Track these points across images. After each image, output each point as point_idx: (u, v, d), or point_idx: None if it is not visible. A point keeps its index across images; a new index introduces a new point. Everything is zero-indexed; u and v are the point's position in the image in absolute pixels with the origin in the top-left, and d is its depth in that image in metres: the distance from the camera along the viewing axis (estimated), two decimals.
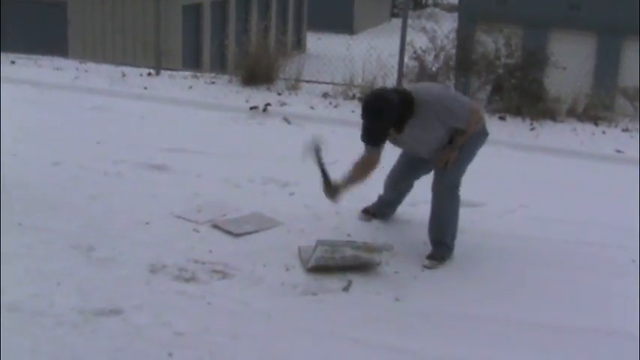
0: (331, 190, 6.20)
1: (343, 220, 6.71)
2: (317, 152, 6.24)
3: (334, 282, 5.59)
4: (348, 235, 6.37)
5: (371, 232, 6.50)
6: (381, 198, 6.87)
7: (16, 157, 7.56)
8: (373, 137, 5.93)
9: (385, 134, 5.90)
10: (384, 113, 5.81)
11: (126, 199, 6.91)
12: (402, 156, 6.63)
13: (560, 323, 5.26)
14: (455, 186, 6.21)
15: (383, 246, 5.93)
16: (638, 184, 8.24)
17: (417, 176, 6.63)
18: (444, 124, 5.96)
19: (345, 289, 5.59)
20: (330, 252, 5.71)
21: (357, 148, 6.05)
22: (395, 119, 5.84)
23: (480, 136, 6.30)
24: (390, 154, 6.34)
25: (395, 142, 6.20)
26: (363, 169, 6.07)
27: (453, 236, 6.27)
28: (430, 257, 6.16)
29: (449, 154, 6.07)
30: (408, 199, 6.83)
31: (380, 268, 5.84)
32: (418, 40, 12.46)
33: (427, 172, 6.43)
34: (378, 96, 6.05)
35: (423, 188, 6.51)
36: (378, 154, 6.01)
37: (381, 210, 6.87)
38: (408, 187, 6.76)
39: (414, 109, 5.86)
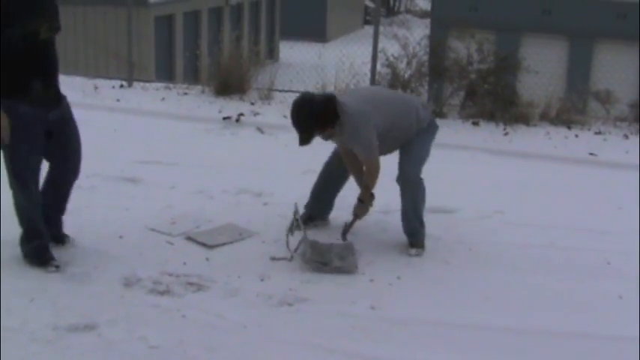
0: (365, 206, 6.43)
1: (318, 228, 6.69)
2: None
3: (310, 291, 5.59)
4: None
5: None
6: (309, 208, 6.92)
7: None
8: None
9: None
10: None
11: (99, 212, 6.87)
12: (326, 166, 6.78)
13: (537, 328, 5.26)
14: (418, 176, 6.42)
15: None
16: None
17: (338, 187, 6.83)
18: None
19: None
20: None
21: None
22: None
23: (430, 129, 6.54)
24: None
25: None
26: (372, 175, 6.30)
27: (422, 221, 6.50)
28: (413, 246, 6.42)
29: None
30: (381, 207, 6.82)
31: (357, 277, 5.86)
32: (390, 47, 12.47)
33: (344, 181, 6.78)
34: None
35: (396, 196, 6.52)
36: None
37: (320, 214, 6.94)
38: (331, 197, 6.89)
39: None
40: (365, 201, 6.40)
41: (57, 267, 5.65)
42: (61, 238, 6.11)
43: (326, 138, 6.29)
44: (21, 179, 5.58)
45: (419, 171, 6.42)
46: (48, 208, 5.89)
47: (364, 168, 6.34)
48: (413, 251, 6.39)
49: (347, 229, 6.47)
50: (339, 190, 6.84)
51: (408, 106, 6.46)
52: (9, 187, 5.64)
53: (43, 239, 5.77)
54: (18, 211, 5.73)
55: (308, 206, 6.86)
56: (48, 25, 5.42)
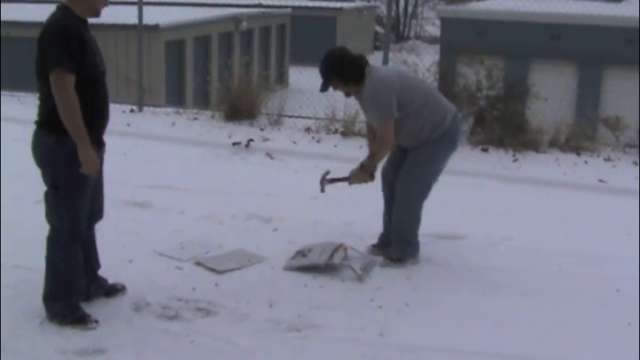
0: (363, 174, 6.37)
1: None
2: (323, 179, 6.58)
3: (318, 318, 5.58)
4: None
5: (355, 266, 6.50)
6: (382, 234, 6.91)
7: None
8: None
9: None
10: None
11: (109, 237, 6.85)
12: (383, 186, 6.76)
13: (546, 355, 5.25)
14: (408, 198, 6.45)
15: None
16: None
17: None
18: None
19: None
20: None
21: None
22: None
23: (441, 143, 6.45)
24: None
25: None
26: (382, 143, 6.32)
27: (406, 239, 6.52)
28: (386, 256, 6.58)
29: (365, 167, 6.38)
30: None
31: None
32: None
33: None
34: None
35: None
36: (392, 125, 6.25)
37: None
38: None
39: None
40: (365, 169, 6.35)
41: (97, 322, 5.23)
42: (114, 289, 5.76)
43: (347, 95, 6.56)
44: (76, 231, 5.17)
45: (411, 194, 6.45)
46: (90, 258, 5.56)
47: (377, 136, 6.37)
48: (380, 259, 6.57)
49: (329, 179, 6.54)
50: None
51: (440, 103, 6.47)
52: (49, 242, 5.22)
53: (74, 297, 5.30)
54: (53, 267, 5.23)
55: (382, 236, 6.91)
56: (101, 58, 5.20)
